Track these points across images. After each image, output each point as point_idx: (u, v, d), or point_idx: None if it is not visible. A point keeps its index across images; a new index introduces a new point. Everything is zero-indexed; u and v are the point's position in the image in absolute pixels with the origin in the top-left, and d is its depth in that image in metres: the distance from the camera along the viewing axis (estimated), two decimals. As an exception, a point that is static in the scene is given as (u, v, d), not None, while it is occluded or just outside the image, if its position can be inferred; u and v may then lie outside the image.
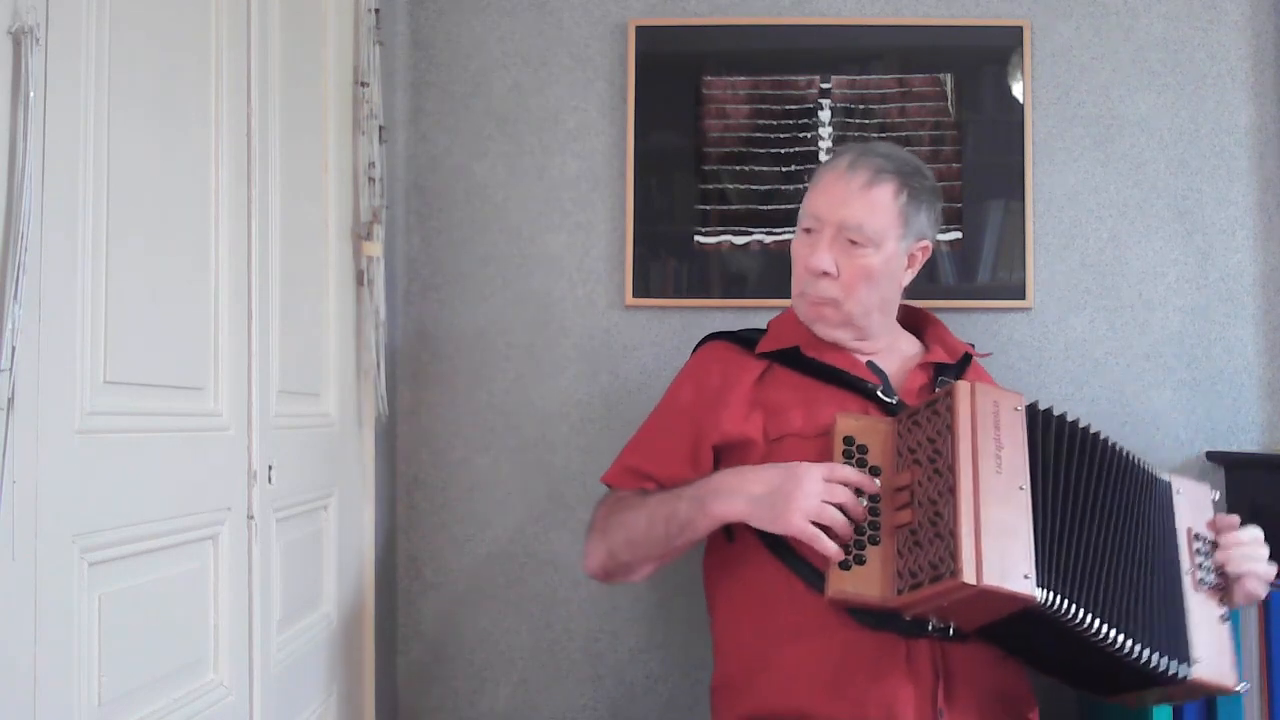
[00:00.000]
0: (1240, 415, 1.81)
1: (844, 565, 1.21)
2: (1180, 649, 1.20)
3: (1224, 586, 1.26)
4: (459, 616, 1.83)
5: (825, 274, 1.37)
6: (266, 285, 1.25)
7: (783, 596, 1.30)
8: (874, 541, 1.23)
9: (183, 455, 1.06)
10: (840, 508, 1.23)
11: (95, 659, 0.90)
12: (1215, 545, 1.28)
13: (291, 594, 1.34)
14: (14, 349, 0.78)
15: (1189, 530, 1.28)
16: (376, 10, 1.65)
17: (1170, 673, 1.18)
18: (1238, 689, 1.21)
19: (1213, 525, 1.30)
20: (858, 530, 1.23)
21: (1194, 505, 1.30)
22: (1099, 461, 1.25)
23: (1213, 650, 1.21)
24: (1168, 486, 1.30)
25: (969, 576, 1.10)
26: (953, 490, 1.16)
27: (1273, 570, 1.27)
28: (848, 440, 1.29)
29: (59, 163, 0.86)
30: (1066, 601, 1.14)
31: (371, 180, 1.63)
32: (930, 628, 1.22)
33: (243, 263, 1.19)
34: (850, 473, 1.25)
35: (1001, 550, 1.13)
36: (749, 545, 1.34)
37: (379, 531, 1.70)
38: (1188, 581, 1.24)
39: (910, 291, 1.54)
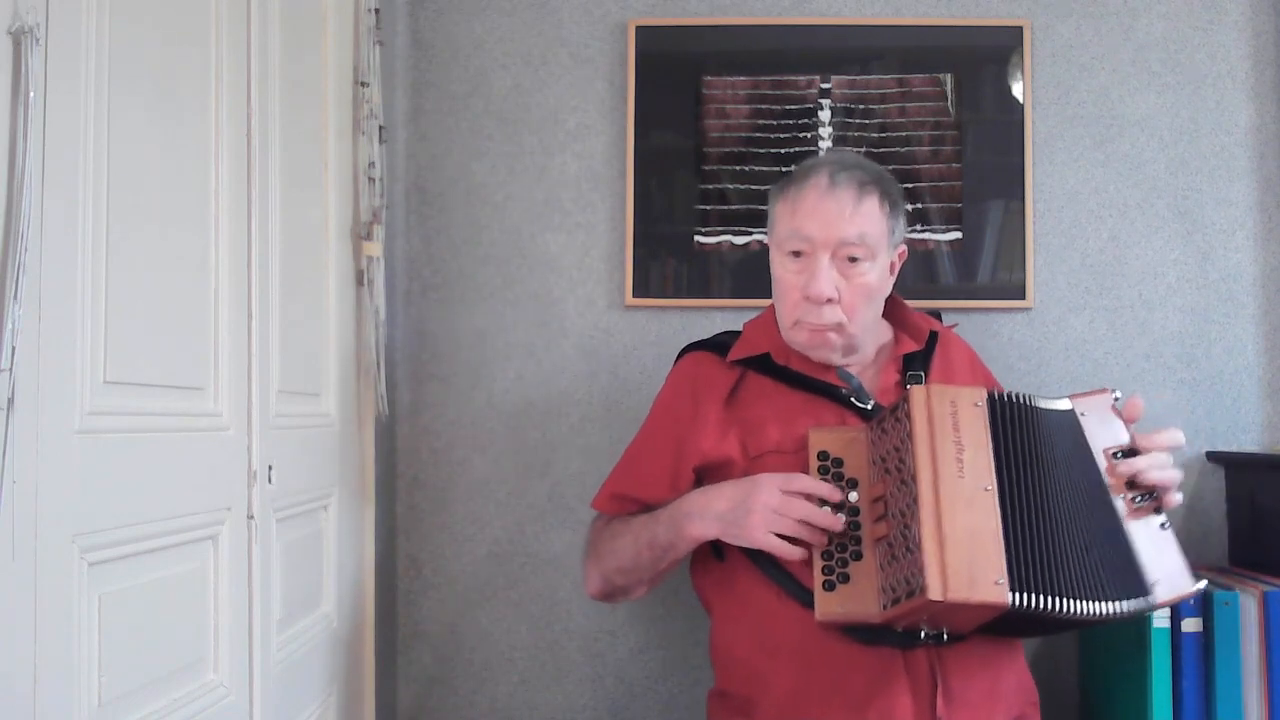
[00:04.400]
0: (1240, 415, 1.81)
1: (829, 586, 1.21)
2: (1138, 584, 1.17)
3: (1155, 493, 1.22)
4: (459, 616, 1.83)
5: (829, 300, 1.31)
6: (266, 285, 1.25)
7: (776, 613, 1.30)
8: (856, 557, 1.22)
9: (183, 455, 1.06)
10: (808, 518, 1.22)
11: (95, 659, 0.90)
12: (1135, 453, 1.24)
13: (291, 594, 1.34)
14: (14, 349, 0.78)
15: (1106, 450, 1.24)
16: (376, 10, 1.65)
17: (1137, 611, 1.16)
18: (1197, 589, 1.18)
19: (1126, 430, 1.25)
20: (839, 547, 1.23)
21: (1101, 420, 1.25)
22: (1048, 435, 1.22)
23: (1164, 567, 1.18)
24: (1069, 415, 1.25)
25: (935, 592, 1.09)
26: (916, 501, 1.15)
27: (1176, 475, 1.22)
28: (822, 455, 1.28)
29: (59, 162, 0.86)
30: (1039, 596, 1.12)
31: (371, 180, 1.63)
32: (923, 635, 1.21)
33: (243, 262, 1.19)
34: (808, 482, 1.24)
35: (969, 558, 1.11)
36: (739, 563, 1.34)
37: (379, 531, 1.70)
38: (1121, 508, 1.21)
39: (910, 292, 1.54)
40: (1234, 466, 1.76)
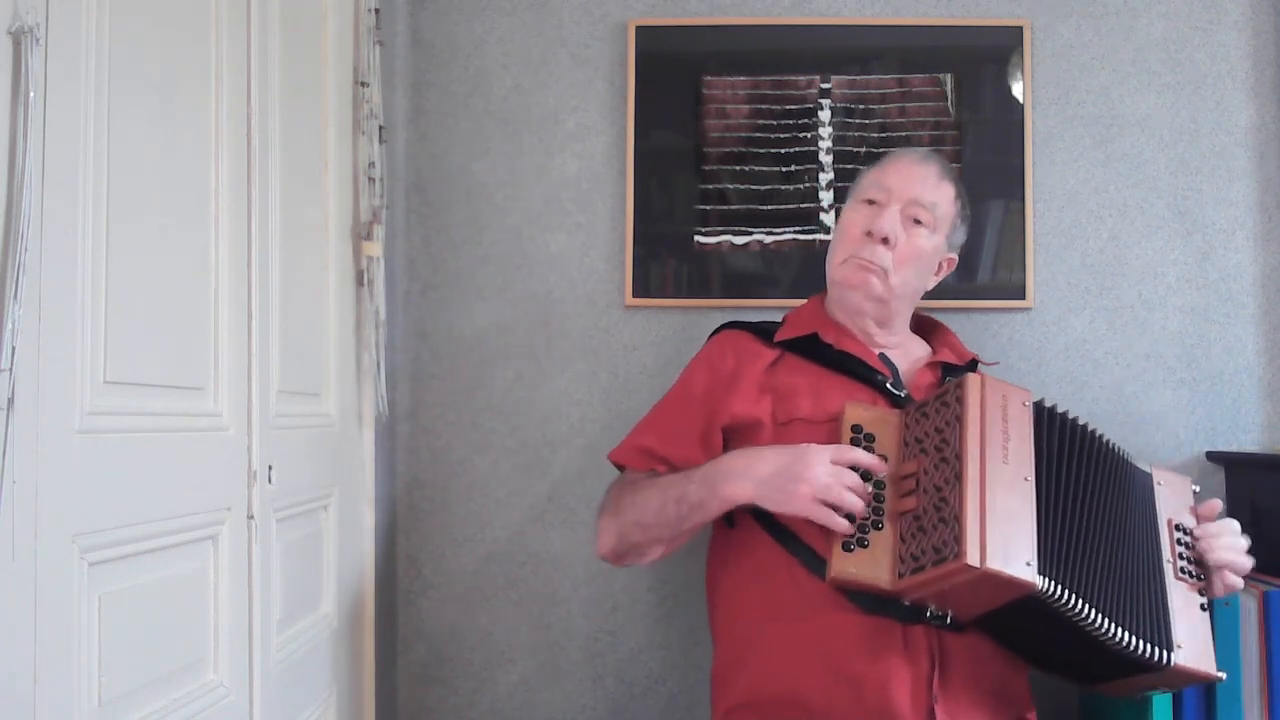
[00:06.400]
0: (1240, 415, 1.81)
1: (847, 548, 1.23)
2: (1164, 636, 1.21)
3: (1204, 576, 1.28)
4: (459, 616, 1.83)
5: (885, 240, 1.40)
6: (266, 285, 1.25)
7: (783, 581, 1.31)
8: (877, 527, 1.24)
9: (183, 455, 1.06)
10: (854, 488, 1.24)
11: (95, 659, 0.90)
12: (1195, 536, 1.31)
13: (291, 594, 1.34)
14: (14, 349, 0.78)
15: (1170, 521, 1.31)
16: (376, 10, 1.65)
17: (1155, 659, 1.19)
18: (1218, 677, 1.23)
19: (1194, 515, 1.33)
20: (861, 515, 1.25)
21: (1175, 496, 1.33)
22: (1096, 457, 1.28)
23: (1194, 638, 1.23)
24: (1149, 478, 1.33)
25: (973, 559, 1.12)
26: (960, 477, 1.18)
27: (1248, 562, 1.29)
28: (855, 429, 1.31)
29: (59, 162, 0.86)
30: (1063, 590, 1.15)
31: (371, 180, 1.63)
32: (929, 614, 1.23)
33: (243, 262, 1.19)
34: (859, 454, 1.27)
35: (1005, 536, 1.15)
36: (750, 531, 1.35)
37: (379, 531, 1.70)
38: (1169, 570, 1.26)
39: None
40: (1234, 466, 1.76)
